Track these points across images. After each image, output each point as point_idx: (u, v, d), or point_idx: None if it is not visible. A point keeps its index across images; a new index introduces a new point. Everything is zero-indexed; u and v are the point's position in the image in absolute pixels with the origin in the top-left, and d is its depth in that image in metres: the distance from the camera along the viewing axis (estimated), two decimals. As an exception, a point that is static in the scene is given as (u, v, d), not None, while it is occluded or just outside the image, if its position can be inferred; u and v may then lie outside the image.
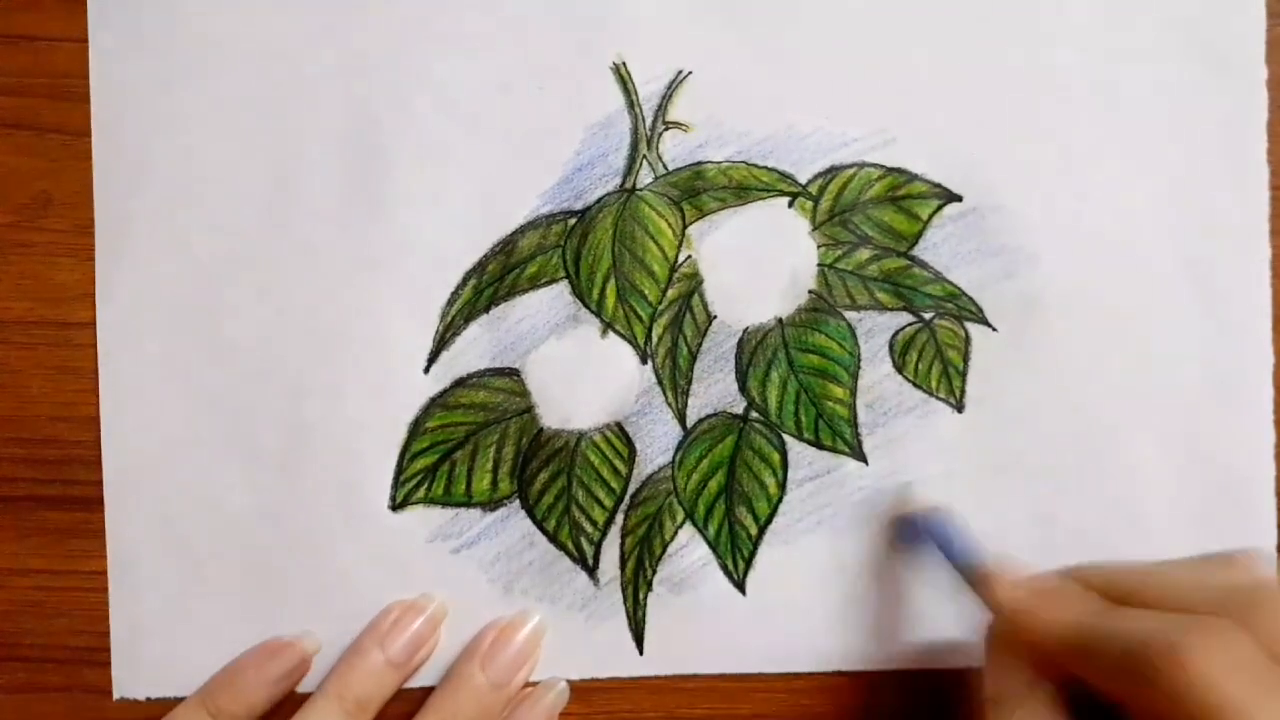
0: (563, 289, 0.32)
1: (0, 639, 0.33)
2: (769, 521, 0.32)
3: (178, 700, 0.32)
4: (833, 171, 0.32)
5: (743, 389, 0.32)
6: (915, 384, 0.32)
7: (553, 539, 0.32)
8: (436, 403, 0.32)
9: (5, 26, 0.32)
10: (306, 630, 0.32)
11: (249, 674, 0.31)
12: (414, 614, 0.32)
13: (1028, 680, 0.26)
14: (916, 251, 0.32)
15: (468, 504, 0.32)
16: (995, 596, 0.28)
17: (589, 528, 0.32)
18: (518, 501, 0.32)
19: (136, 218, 0.32)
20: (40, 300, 0.32)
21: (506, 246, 0.32)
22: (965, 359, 0.32)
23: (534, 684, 0.32)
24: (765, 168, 0.32)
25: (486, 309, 0.32)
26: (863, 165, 0.32)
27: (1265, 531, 0.32)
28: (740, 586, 0.32)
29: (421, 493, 0.32)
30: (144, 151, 0.32)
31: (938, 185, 0.32)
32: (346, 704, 0.30)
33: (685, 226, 0.32)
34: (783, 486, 0.32)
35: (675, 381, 0.32)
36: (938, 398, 0.32)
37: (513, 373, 0.32)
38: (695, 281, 0.32)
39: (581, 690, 0.32)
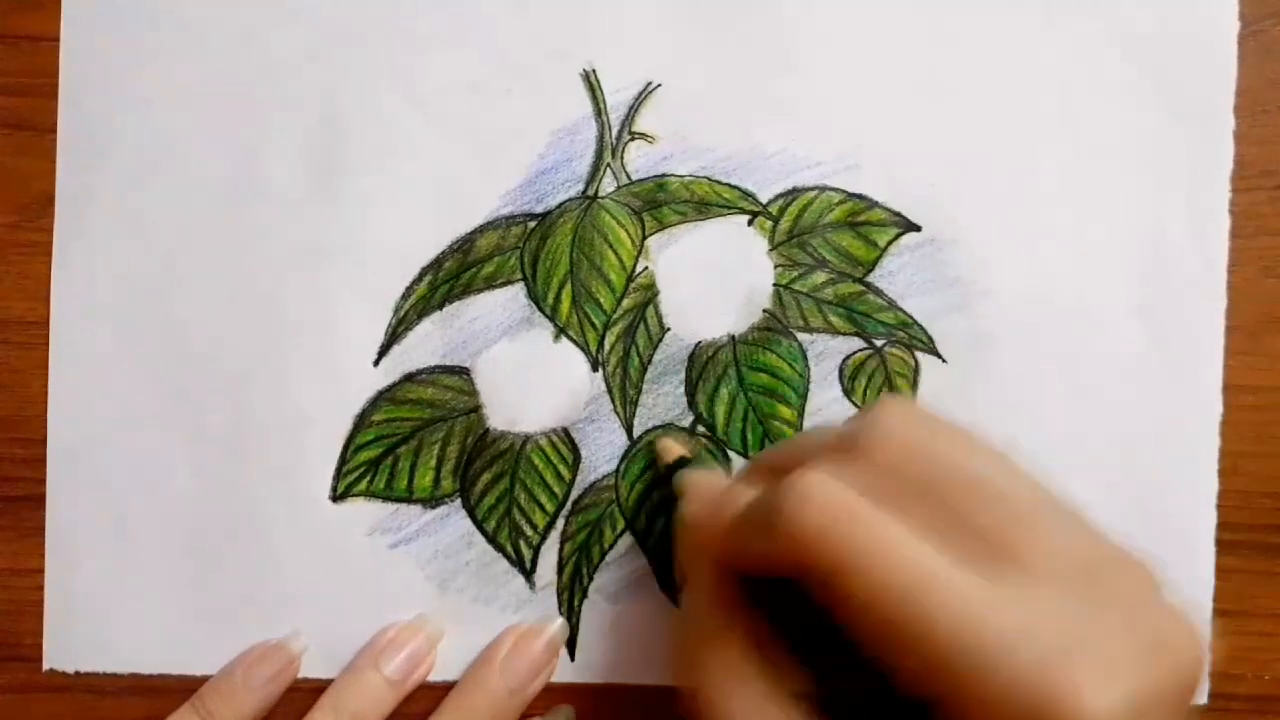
0: (518, 291, 0.32)
1: (1, 639, 0.33)
2: (709, 537, 0.32)
3: (107, 676, 0.32)
4: (794, 193, 0.32)
5: (691, 403, 0.33)
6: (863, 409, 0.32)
7: (492, 540, 0.32)
8: (384, 396, 0.32)
9: (5, 26, 0.33)
10: (292, 630, 0.32)
11: (237, 678, 0.32)
12: (411, 633, 0.32)
13: (709, 566, 0.26)
14: (872, 278, 0.33)
15: (408, 500, 0.32)
16: (680, 513, 0.27)
17: (529, 531, 0.32)
18: (459, 500, 0.32)
19: (96, 195, 0.32)
20: (40, 300, 0.32)
21: (465, 245, 0.32)
22: (914, 388, 0.32)
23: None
24: (728, 185, 0.32)
25: (440, 306, 0.32)
26: (824, 189, 0.32)
27: (1203, 581, 0.32)
28: (675, 599, 0.32)
29: (363, 485, 0.32)
30: (107, 129, 0.32)
31: (897, 214, 0.32)
32: (343, 719, 0.31)
33: (645, 237, 0.32)
34: (725, 503, 0.32)
35: (625, 391, 0.32)
36: (885, 425, 0.32)
37: (463, 371, 0.32)
38: (651, 293, 0.32)
39: (510, 692, 0.33)
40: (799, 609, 0.25)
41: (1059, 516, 0.22)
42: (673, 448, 0.32)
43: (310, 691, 0.32)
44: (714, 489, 0.27)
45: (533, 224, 0.32)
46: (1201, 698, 0.32)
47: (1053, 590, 0.20)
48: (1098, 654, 0.19)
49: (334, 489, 0.32)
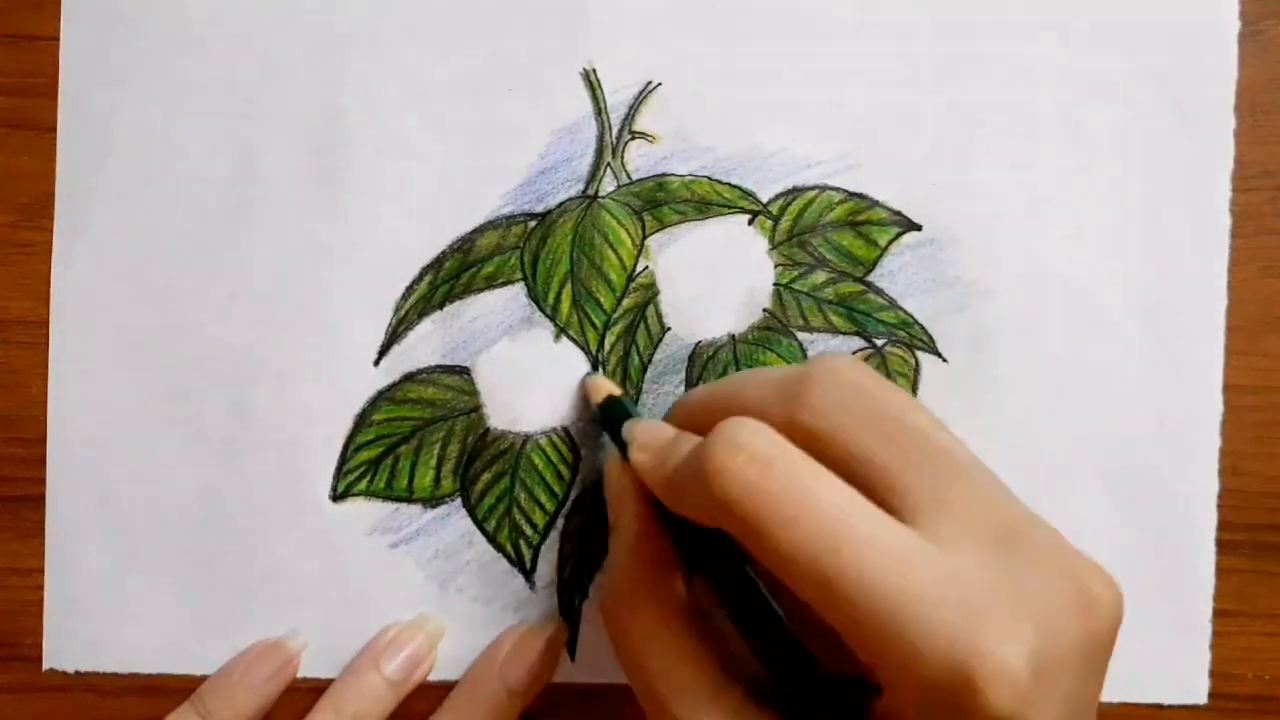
0: (519, 291, 0.32)
1: (1, 639, 0.33)
2: (710, 536, 0.33)
3: (107, 676, 0.32)
4: (795, 192, 0.32)
5: (692, 403, 0.32)
6: (863, 409, 0.32)
7: (492, 540, 0.32)
8: (384, 396, 0.32)
9: (5, 26, 0.33)
10: (291, 630, 0.32)
11: (236, 676, 0.32)
12: (411, 633, 0.32)
13: (638, 516, 0.26)
14: (872, 277, 0.32)
15: (409, 499, 0.32)
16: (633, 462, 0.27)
17: (529, 531, 0.32)
18: (459, 500, 0.32)
19: (96, 195, 0.32)
20: (40, 300, 0.32)
21: (465, 244, 0.32)
22: (914, 387, 0.32)
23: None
24: (728, 184, 0.32)
25: (441, 305, 0.32)
26: (825, 188, 0.32)
27: (1203, 581, 0.32)
28: (676, 599, 0.32)
29: (363, 485, 0.32)
30: (107, 129, 0.32)
31: (898, 213, 0.32)
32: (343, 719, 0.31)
33: (645, 237, 0.32)
34: (725, 502, 0.32)
35: (625, 390, 0.32)
36: (885, 424, 0.32)
37: (463, 371, 0.32)
38: (651, 292, 0.32)
39: (510, 692, 0.32)
40: (734, 568, 0.25)
41: (986, 478, 0.22)
42: (602, 385, 0.31)
43: (310, 691, 0.32)
44: (661, 438, 0.26)
45: (533, 223, 0.32)
46: (1201, 698, 0.32)
47: (975, 547, 0.21)
48: (1015, 611, 0.20)
49: (334, 489, 0.32)
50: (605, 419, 0.30)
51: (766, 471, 0.21)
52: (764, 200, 0.32)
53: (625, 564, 0.26)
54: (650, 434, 0.27)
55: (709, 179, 0.32)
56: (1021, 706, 0.19)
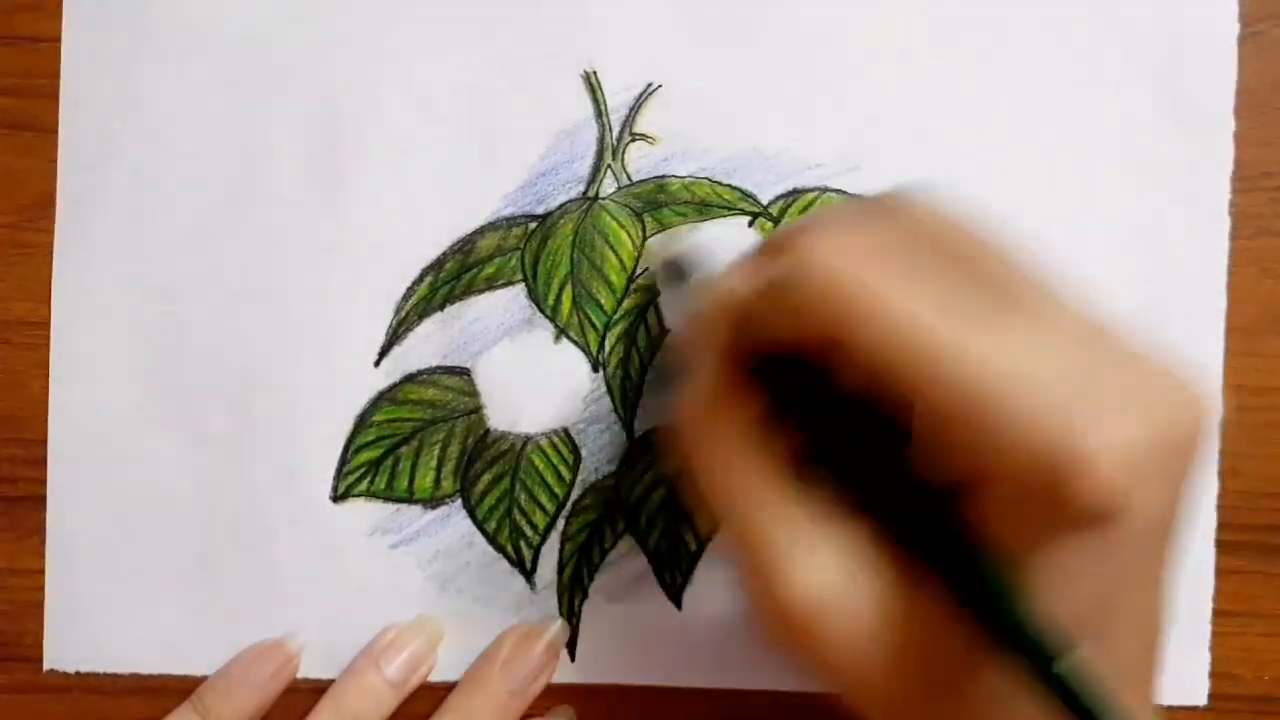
0: (519, 292, 0.32)
1: (1, 639, 0.33)
2: (710, 538, 0.32)
3: (107, 676, 0.32)
4: (795, 194, 0.32)
5: (692, 403, 0.32)
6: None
7: (492, 540, 0.32)
8: (385, 397, 0.32)
9: (6, 27, 0.33)
10: (291, 630, 0.32)
11: (235, 676, 0.32)
12: (411, 634, 0.32)
13: (717, 350, 0.25)
14: (873, 278, 0.32)
15: (409, 500, 0.32)
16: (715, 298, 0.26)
17: (529, 531, 0.33)
18: (460, 501, 0.32)
19: (96, 195, 0.32)
20: (41, 300, 0.32)
21: (466, 246, 0.32)
22: (914, 389, 0.32)
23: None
24: (728, 186, 0.32)
25: (441, 306, 0.32)
26: (825, 190, 0.32)
27: (1203, 581, 0.32)
28: (676, 600, 0.33)
29: (364, 486, 0.32)
30: (107, 129, 0.32)
31: (898, 214, 0.32)
32: None
33: (645, 238, 0.32)
34: (725, 503, 0.32)
35: (625, 392, 0.32)
36: (885, 425, 0.32)
37: (463, 372, 0.32)
38: (651, 293, 0.32)
39: (510, 693, 0.32)
40: (804, 400, 0.25)
41: (1066, 289, 0.22)
42: (668, 244, 0.31)
43: (310, 692, 0.32)
44: (745, 267, 0.26)
45: (533, 225, 0.32)
46: (1201, 698, 0.32)
47: (1062, 340, 0.21)
48: (1106, 398, 0.20)
49: (334, 489, 0.32)
50: (673, 275, 0.30)
51: (847, 275, 0.21)
52: (764, 202, 0.32)
53: (705, 381, 0.25)
54: (734, 267, 0.27)
55: (709, 181, 0.32)
56: (1110, 497, 0.19)
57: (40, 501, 0.33)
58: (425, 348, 0.32)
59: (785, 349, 0.23)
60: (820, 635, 0.22)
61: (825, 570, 0.22)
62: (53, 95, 0.32)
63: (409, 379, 0.32)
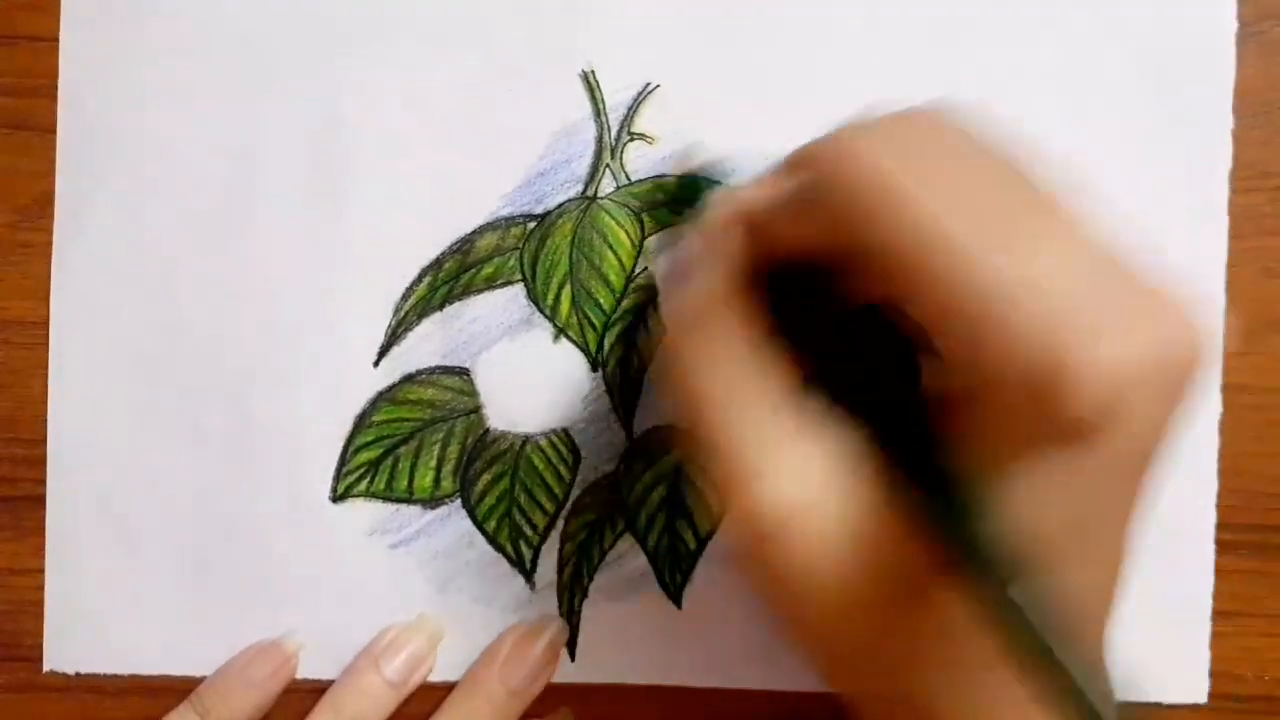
0: (518, 292, 0.32)
1: (1, 639, 0.33)
2: (709, 537, 0.32)
3: (107, 676, 0.32)
4: (794, 193, 0.32)
5: (691, 403, 0.32)
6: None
7: (492, 540, 0.32)
8: (384, 397, 0.32)
9: (5, 27, 0.33)
10: (290, 630, 0.32)
11: (234, 676, 0.32)
12: (411, 634, 0.32)
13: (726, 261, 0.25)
14: (872, 278, 0.32)
15: (409, 500, 0.32)
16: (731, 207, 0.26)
17: (529, 531, 0.33)
18: (459, 501, 0.32)
19: (96, 195, 0.32)
20: (40, 300, 0.32)
21: (465, 245, 0.32)
22: (914, 388, 0.32)
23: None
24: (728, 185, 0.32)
25: (440, 306, 0.32)
26: (824, 189, 0.32)
27: (1203, 581, 0.32)
28: (676, 600, 0.33)
29: (363, 486, 0.32)
30: (107, 129, 0.32)
31: (897, 214, 0.32)
32: None
33: (644, 238, 0.32)
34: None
35: (624, 391, 0.32)
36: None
37: (463, 372, 0.32)
38: (651, 293, 0.32)
39: (510, 693, 0.32)
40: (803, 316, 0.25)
41: (1083, 214, 0.22)
42: (697, 155, 0.31)
43: (310, 692, 0.32)
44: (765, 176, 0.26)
45: (532, 225, 0.32)
46: (1201, 697, 0.32)
47: (1076, 261, 0.21)
48: (1108, 318, 0.20)
49: (334, 489, 0.32)
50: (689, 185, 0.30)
51: (899, 166, 0.21)
52: (763, 201, 0.32)
53: (707, 283, 0.25)
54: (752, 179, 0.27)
55: (709, 180, 0.32)
56: (1097, 412, 0.19)
57: (40, 501, 0.33)
58: (424, 347, 0.32)
59: (797, 259, 0.23)
60: (783, 544, 0.22)
61: (798, 482, 0.22)
62: (51, 95, 0.32)
63: (408, 379, 0.32)
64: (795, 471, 0.23)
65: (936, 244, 0.21)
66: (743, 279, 0.25)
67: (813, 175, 0.23)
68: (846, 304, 0.24)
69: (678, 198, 0.31)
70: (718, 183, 0.30)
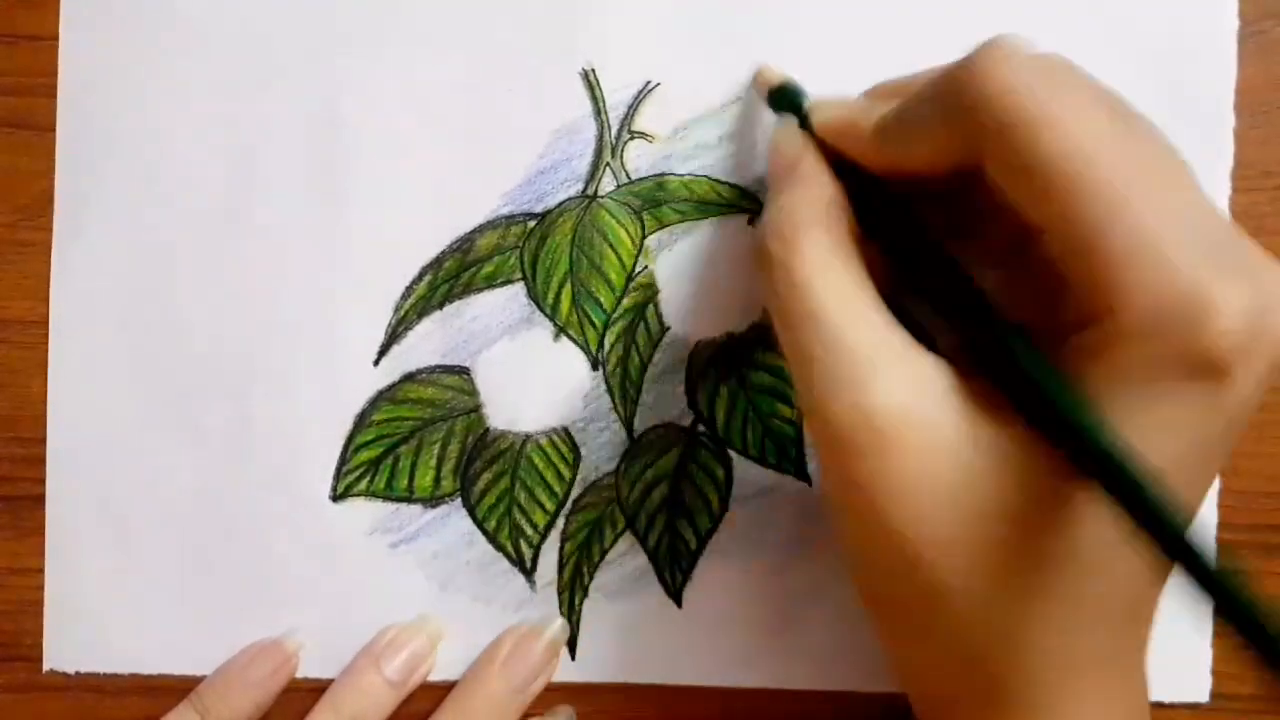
0: (518, 290, 0.32)
1: (1, 639, 0.33)
2: (709, 536, 0.32)
3: (107, 676, 0.32)
4: (794, 192, 0.32)
5: (692, 402, 0.32)
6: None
7: (492, 539, 0.32)
8: (384, 396, 0.32)
9: (5, 26, 0.33)
10: (290, 629, 0.32)
11: (233, 676, 0.32)
12: (411, 633, 0.32)
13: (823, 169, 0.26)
14: (872, 277, 0.32)
15: (409, 499, 0.32)
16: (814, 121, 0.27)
17: (529, 530, 0.32)
18: (459, 500, 0.32)
19: (96, 195, 0.32)
20: (40, 300, 0.32)
21: (465, 244, 0.32)
22: (914, 387, 0.32)
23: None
24: (727, 184, 0.32)
25: (440, 305, 0.32)
26: (824, 188, 0.32)
27: (1203, 579, 0.32)
28: (677, 598, 0.32)
29: (363, 485, 0.32)
30: (107, 129, 0.32)
31: (898, 213, 0.32)
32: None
33: (644, 236, 0.32)
34: (725, 502, 0.32)
35: (625, 390, 0.32)
36: (885, 424, 0.32)
37: (463, 371, 0.32)
38: (651, 292, 0.32)
39: (510, 692, 0.32)
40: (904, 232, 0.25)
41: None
42: (773, 73, 0.31)
43: (310, 691, 0.32)
44: (856, 102, 0.27)
45: (532, 223, 0.32)
46: (1203, 696, 0.32)
47: (1202, 207, 0.22)
48: (1239, 263, 0.21)
49: (334, 489, 0.32)
50: (778, 102, 0.30)
51: (1044, 81, 0.22)
52: (764, 200, 0.32)
53: (815, 189, 0.25)
54: (844, 101, 0.28)
55: (708, 179, 0.32)
56: (1237, 347, 0.20)
57: (40, 501, 0.32)
58: (424, 346, 0.32)
59: (911, 171, 0.24)
60: (895, 449, 0.22)
61: (910, 386, 0.22)
62: (52, 95, 0.32)
63: (408, 378, 0.32)
64: (908, 376, 0.22)
65: (1100, 169, 0.21)
66: (836, 185, 0.25)
67: (955, 93, 0.23)
68: (921, 235, 0.25)
69: (774, 103, 0.30)
70: (805, 95, 0.29)
